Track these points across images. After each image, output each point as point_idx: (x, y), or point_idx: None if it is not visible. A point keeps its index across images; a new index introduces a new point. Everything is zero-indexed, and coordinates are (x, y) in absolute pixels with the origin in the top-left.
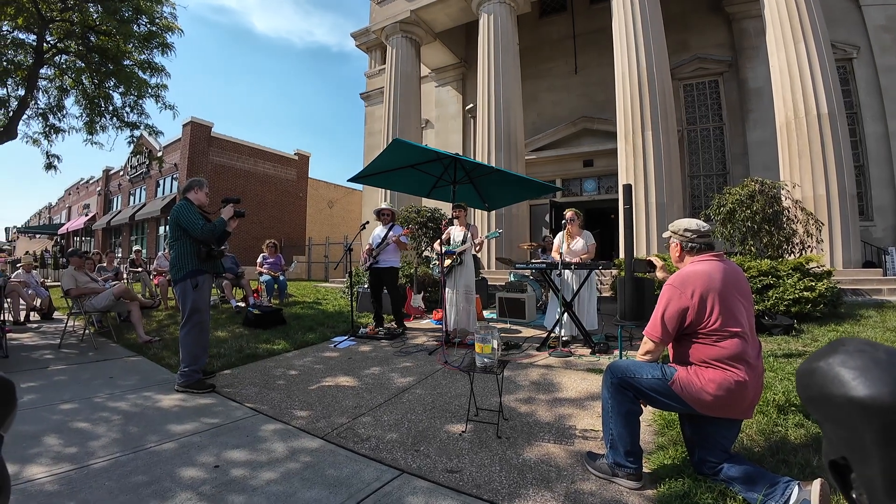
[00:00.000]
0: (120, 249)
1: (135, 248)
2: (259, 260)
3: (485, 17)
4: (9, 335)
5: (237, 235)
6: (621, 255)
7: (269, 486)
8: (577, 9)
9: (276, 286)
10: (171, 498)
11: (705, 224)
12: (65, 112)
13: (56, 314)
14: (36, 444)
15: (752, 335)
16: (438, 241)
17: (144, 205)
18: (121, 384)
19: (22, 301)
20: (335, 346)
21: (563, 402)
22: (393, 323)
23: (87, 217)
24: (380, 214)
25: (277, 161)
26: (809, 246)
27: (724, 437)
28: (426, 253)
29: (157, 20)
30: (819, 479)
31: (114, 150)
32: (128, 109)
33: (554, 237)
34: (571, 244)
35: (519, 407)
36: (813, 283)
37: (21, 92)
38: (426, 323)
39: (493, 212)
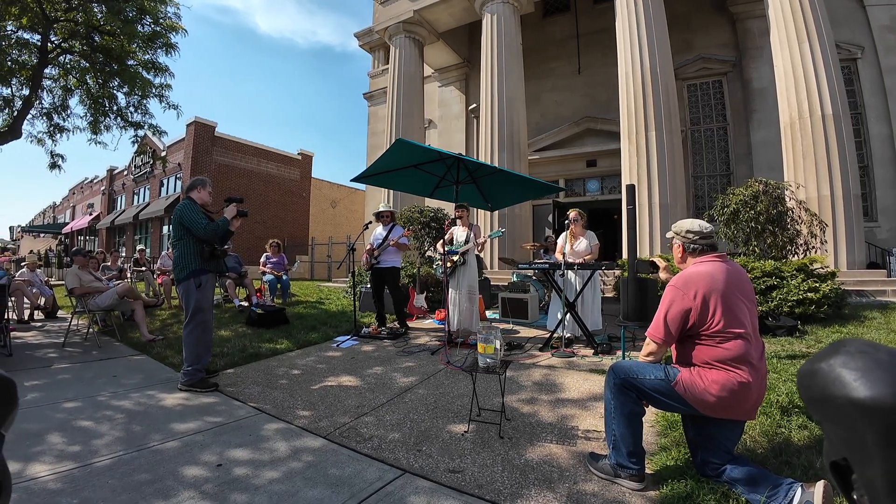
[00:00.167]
0: (124, 249)
1: (138, 247)
2: (262, 259)
3: (488, 16)
4: (13, 334)
5: (240, 235)
6: (624, 255)
7: (271, 485)
8: (580, 9)
9: (279, 286)
10: (173, 496)
11: (708, 225)
12: (69, 112)
13: (60, 313)
14: (39, 443)
15: (755, 336)
16: (441, 241)
17: (148, 204)
18: (124, 383)
19: (26, 300)
20: (338, 345)
21: (566, 402)
22: (396, 323)
23: (92, 216)
24: (379, 217)
25: (281, 161)
26: (813, 247)
27: (727, 438)
28: (429, 253)
29: (161, 20)
30: (822, 480)
31: (118, 149)
32: (132, 109)
33: (556, 237)
34: (575, 245)
35: (521, 407)
36: (817, 285)
37: (25, 92)
38: (429, 323)
39: (496, 212)
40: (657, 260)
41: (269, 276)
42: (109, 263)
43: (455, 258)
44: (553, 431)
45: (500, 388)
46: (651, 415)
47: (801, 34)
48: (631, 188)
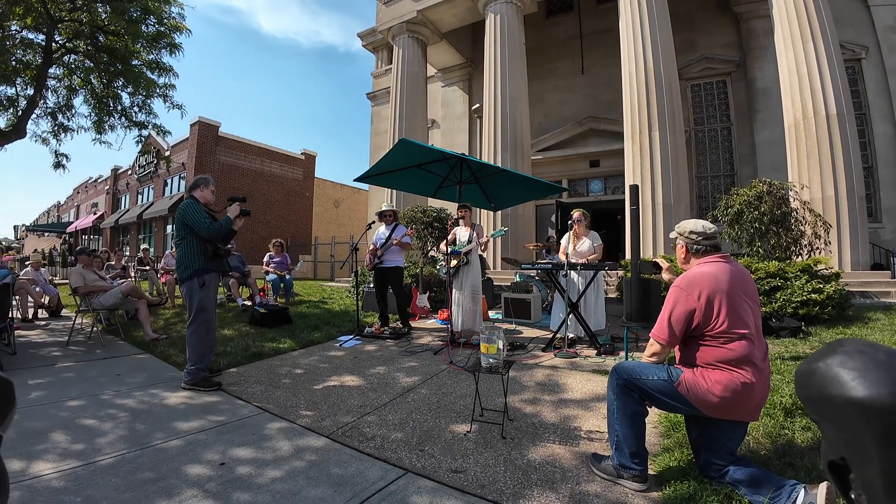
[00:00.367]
0: (128, 248)
1: (142, 246)
2: (265, 259)
3: (491, 17)
4: (17, 332)
5: (244, 234)
6: (628, 256)
7: (274, 483)
8: (583, 9)
9: (282, 285)
10: (177, 495)
11: (711, 225)
12: (73, 111)
13: (64, 312)
14: (43, 441)
15: (758, 337)
16: (444, 241)
17: (152, 204)
18: (128, 381)
19: (30, 298)
20: (341, 345)
21: (569, 402)
22: (399, 322)
23: (96, 216)
24: (382, 216)
25: (284, 161)
26: (817, 248)
27: (730, 439)
28: (432, 253)
29: (165, 20)
30: (825, 482)
31: (122, 149)
32: (136, 109)
33: (559, 238)
34: (578, 245)
35: (524, 407)
36: (821, 286)
37: (30, 91)
38: (431, 323)
39: (500, 212)
40: (660, 261)
41: (272, 276)
42: (114, 262)
43: (458, 258)
44: (556, 432)
45: (502, 389)
46: (654, 416)
47: (805, 34)
48: (634, 188)
